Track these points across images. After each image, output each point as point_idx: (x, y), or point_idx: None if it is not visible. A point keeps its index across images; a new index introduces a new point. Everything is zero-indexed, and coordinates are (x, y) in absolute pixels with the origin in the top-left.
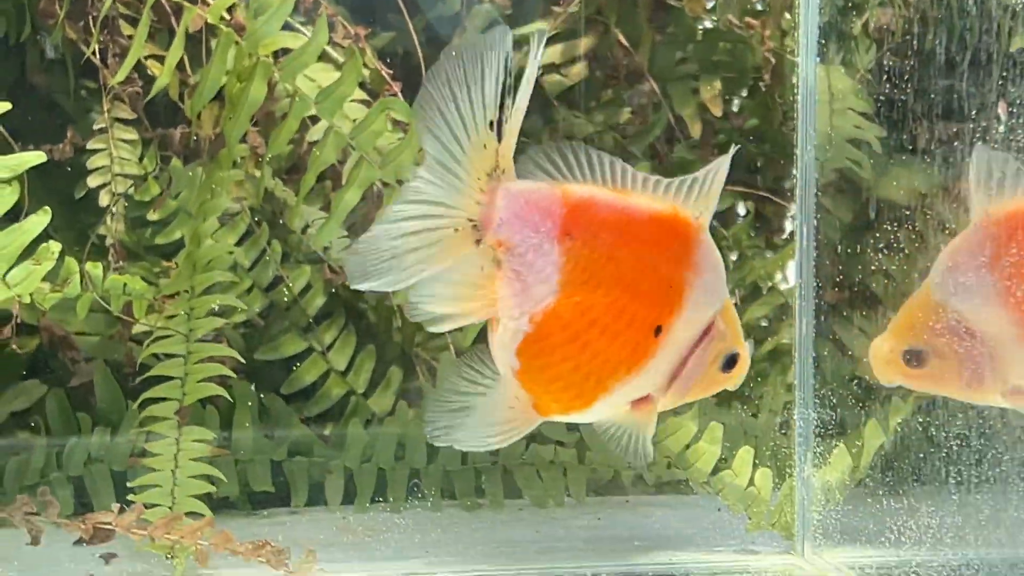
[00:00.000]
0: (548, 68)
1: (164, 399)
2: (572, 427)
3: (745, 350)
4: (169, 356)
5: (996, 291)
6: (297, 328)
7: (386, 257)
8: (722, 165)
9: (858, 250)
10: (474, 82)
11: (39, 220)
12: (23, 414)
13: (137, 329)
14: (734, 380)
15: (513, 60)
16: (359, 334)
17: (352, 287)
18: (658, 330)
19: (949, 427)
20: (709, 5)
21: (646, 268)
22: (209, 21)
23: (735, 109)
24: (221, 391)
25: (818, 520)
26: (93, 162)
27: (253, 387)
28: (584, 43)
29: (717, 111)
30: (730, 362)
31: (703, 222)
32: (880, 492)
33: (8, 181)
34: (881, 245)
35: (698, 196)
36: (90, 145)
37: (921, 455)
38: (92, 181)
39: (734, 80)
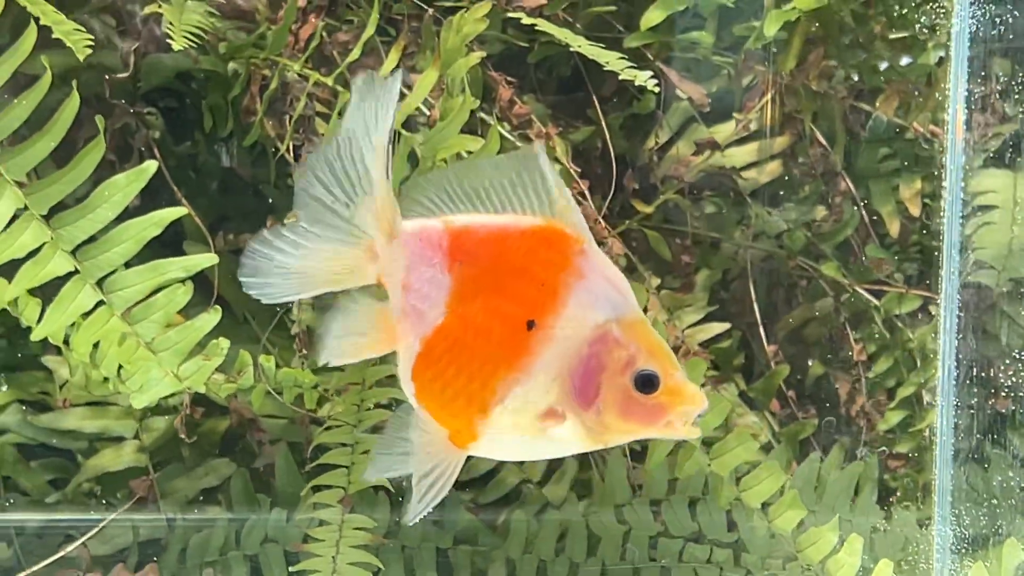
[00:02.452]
0: (744, 167)
1: (331, 487)
2: (731, 527)
3: (681, 380)
4: (337, 445)
5: None
6: None
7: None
8: (543, 169)
9: None
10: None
11: (210, 319)
12: (211, 491)
13: (321, 412)
14: (666, 414)
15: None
16: None
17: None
18: (531, 325)
19: None
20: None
21: (519, 273)
22: None
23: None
24: (385, 482)
25: None
26: None
27: None
28: (779, 142)
29: (916, 210)
30: (644, 381)
31: (581, 233)
32: None
33: (183, 280)
34: None
35: (562, 213)
36: None
37: None
38: None
39: (934, 179)
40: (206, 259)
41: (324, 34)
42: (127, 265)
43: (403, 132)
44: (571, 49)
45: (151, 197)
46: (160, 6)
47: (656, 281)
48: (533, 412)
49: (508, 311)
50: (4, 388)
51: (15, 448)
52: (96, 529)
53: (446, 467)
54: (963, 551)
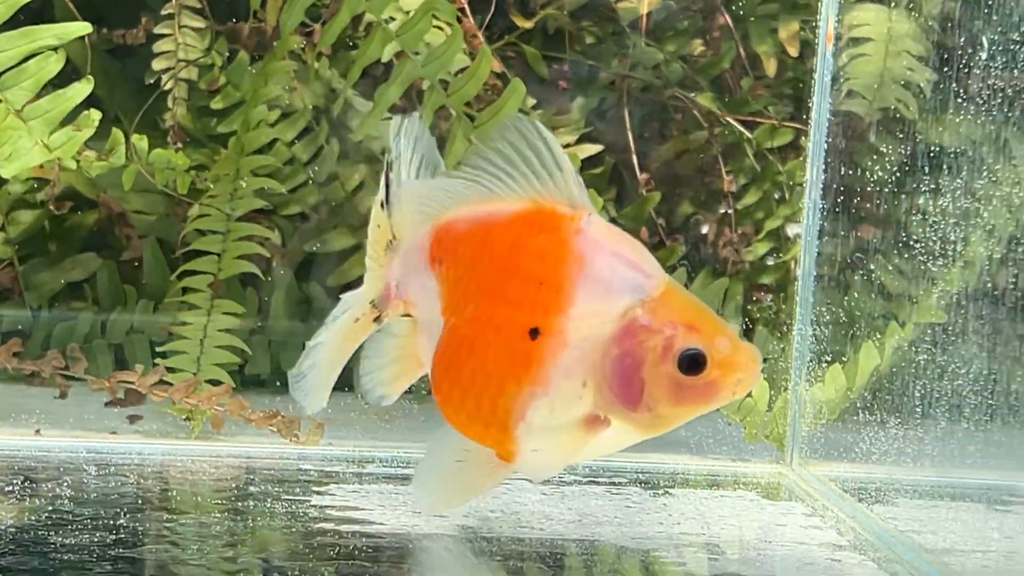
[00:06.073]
0: None
1: (201, 272)
2: None
3: (728, 345)
4: (209, 232)
5: None
6: (348, 225)
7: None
8: (554, 146)
9: (898, 190)
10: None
11: (81, 88)
12: (78, 285)
13: (193, 211)
14: (723, 389)
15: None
16: None
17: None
18: (534, 332)
19: (945, 355)
20: None
21: (508, 271)
22: None
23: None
24: (254, 268)
25: (806, 434)
26: (159, 46)
27: (295, 275)
28: None
29: (794, 51)
30: (690, 363)
31: (580, 209)
32: (871, 412)
33: (55, 48)
34: (921, 187)
35: (555, 184)
36: (157, 30)
37: (913, 380)
38: (157, 64)
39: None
40: (79, 27)
41: None
42: None
43: None
44: None
45: None
46: None
47: (532, 101)
48: (568, 423)
49: (504, 317)
50: None
51: None
52: None
53: (488, 474)
54: (821, 357)
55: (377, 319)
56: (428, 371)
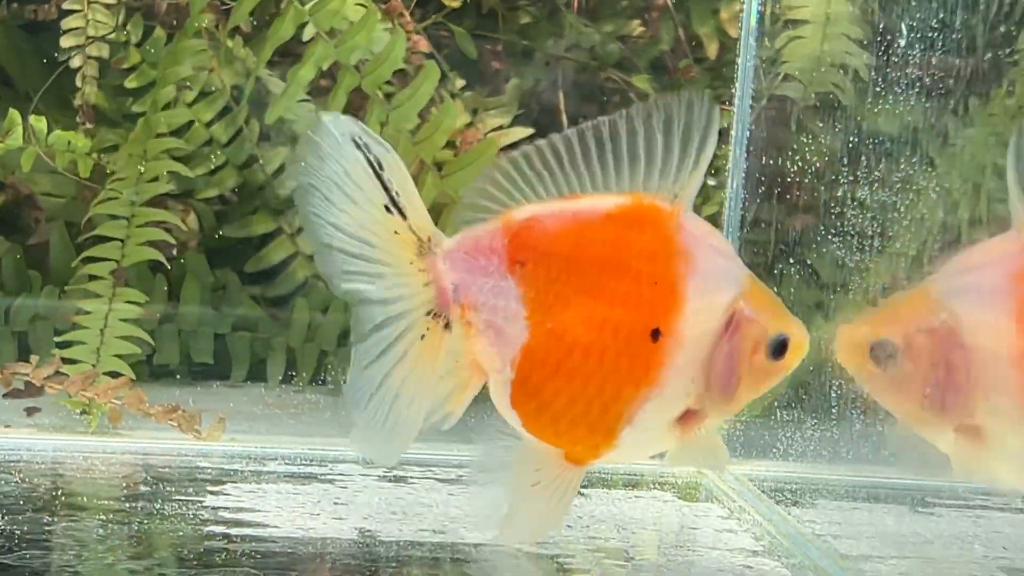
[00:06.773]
0: None
1: (103, 259)
2: None
3: (798, 328)
4: (114, 217)
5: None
6: (268, 208)
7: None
8: (709, 139)
9: (834, 175)
10: (345, 183)
11: None
12: None
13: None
14: (788, 368)
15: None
16: None
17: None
18: (656, 334)
19: None
20: None
21: (617, 270)
22: None
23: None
24: (159, 256)
25: (726, 433)
26: (68, 23)
27: (210, 261)
28: None
29: (734, 32)
30: (779, 348)
31: (681, 203)
32: (787, 414)
33: None
34: (859, 173)
35: (677, 176)
36: (66, 6)
37: (828, 382)
38: (65, 42)
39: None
40: None
41: None
42: None
43: None
44: None
45: None
46: None
47: (461, 83)
48: (667, 420)
49: (621, 322)
50: None
51: None
52: None
53: (566, 485)
54: None
55: (447, 326)
56: (496, 377)
